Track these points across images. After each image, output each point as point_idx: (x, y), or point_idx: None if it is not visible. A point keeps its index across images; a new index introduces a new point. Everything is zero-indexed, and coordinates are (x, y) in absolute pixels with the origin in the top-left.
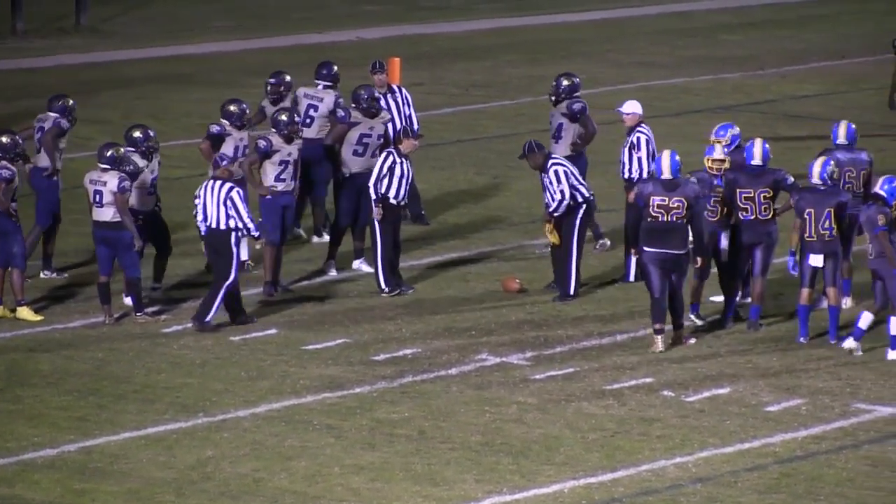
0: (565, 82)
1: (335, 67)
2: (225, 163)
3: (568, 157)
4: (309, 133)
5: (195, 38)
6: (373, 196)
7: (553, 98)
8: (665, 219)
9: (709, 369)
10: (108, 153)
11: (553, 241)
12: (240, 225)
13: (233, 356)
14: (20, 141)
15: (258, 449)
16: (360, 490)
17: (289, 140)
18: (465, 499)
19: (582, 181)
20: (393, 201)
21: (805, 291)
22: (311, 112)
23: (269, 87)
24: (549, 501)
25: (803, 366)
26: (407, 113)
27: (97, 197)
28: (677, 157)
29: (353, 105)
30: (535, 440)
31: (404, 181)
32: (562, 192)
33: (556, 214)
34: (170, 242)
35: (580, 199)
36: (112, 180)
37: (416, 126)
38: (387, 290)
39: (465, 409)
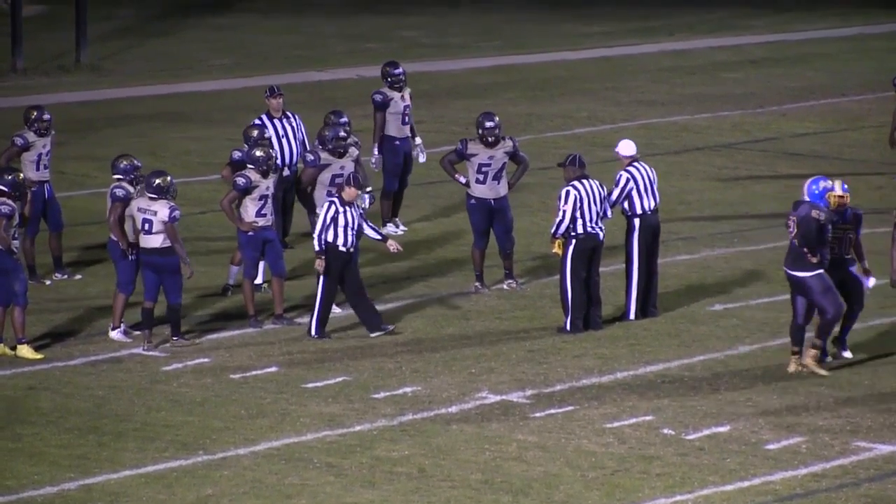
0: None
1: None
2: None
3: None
4: None
5: (194, 76)
6: (316, 248)
7: (492, 139)
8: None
9: (708, 407)
10: (155, 182)
11: (558, 253)
12: None
13: (232, 394)
14: (24, 180)
15: (258, 487)
16: None
17: (265, 175)
18: None
19: (590, 215)
20: (342, 249)
21: None
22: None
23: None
24: None
25: (803, 403)
26: (300, 138)
27: (146, 225)
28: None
29: (320, 146)
30: (535, 478)
31: (349, 230)
32: (563, 212)
33: (554, 233)
34: None
35: (572, 233)
36: (162, 210)
37: (307, 153)
38: (316, 335)
39: (464, 447)
